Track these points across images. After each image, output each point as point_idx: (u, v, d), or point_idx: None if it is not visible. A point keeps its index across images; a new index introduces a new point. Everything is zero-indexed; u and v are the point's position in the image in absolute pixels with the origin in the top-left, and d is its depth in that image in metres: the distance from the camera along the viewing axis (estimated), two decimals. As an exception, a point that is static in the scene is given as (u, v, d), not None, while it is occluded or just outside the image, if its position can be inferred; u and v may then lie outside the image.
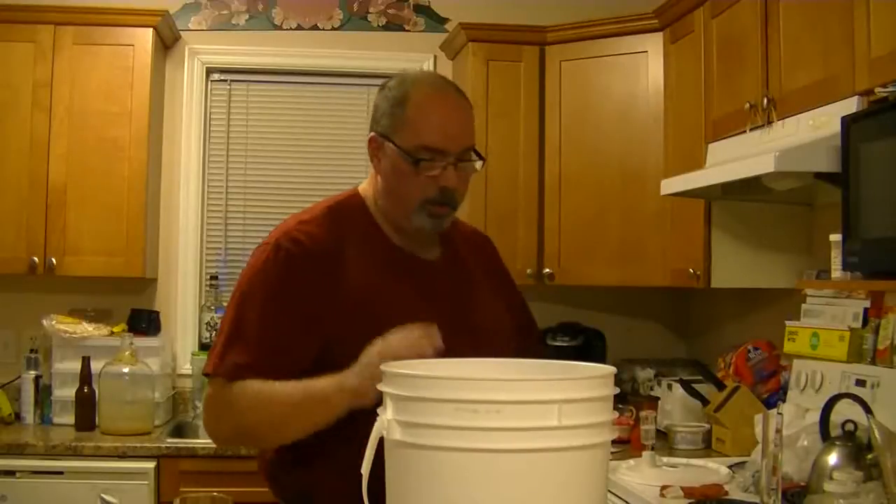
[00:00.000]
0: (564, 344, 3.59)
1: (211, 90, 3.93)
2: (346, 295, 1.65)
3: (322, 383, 1.54)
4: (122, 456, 3.11)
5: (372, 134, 1.74)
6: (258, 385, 1.59)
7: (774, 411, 1.67)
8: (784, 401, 2.76)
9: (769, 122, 2.51)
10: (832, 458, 2.08)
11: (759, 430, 2.22)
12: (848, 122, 2.07)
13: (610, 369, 1.14)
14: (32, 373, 3.47)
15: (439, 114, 1.70)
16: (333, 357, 1.57)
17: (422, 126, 1.68)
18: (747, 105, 2.60)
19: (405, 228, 1.76)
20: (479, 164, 1.76)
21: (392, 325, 1.54)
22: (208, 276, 3.86)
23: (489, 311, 1.82)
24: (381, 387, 1.14)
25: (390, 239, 1.77)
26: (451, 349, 1.46)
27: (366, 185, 1.85)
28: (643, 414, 2.74)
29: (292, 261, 1.66)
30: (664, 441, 3.10)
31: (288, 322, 1.63)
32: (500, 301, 1.90)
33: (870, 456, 1.98)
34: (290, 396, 1.56)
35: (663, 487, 2.35)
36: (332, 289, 1.65)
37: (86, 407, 3.33)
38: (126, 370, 3.34)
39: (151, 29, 3.52)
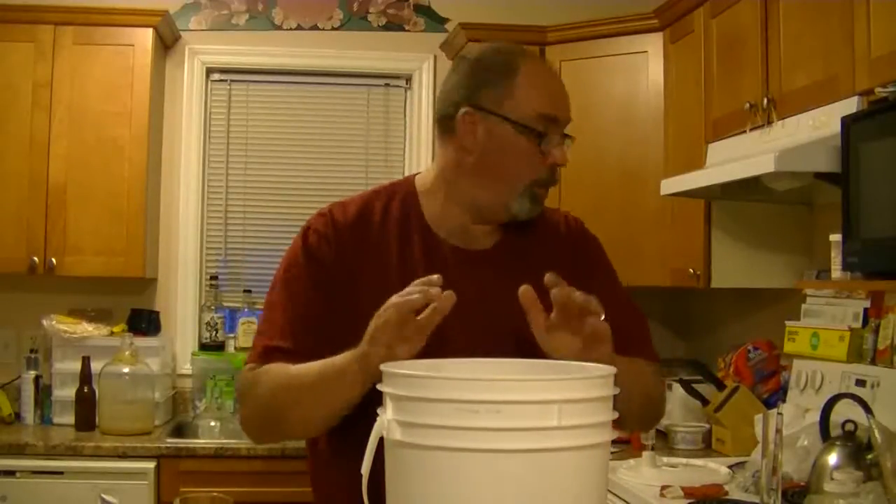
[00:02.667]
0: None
1: (211, 90, 3.93)
2: (371, 275, 1.54)
3: (338, 357, 1.44)
4: (122, 456, 3.11)
5: (467, 109, 1.52)
6: (280, 366, 1.52)
7: (774, 411, 1.67)
8: (784, 401, 2.76)
9: (769, 122, 2.51)
10: (832, 458, 2.08)
11: (759, 430, 2.22)
12: (848, 122, 2.07)
13: (610, 369, 1.14)
14: (32, 373, 3.47)
15: (553, 81, 1.56)
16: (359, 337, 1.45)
17: (539, 93, 1.51)
18: (747, 105, 2.60)
19: (488, 218, 1.58)
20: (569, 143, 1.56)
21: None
22: (208, 276, 3.86)
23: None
24: (381, 387, 1.14)
25: (431, 227, 1.59)
26: (488, 350, 1.32)
27: (425, 173, 1.67)
28: None
29: (319, 239, 1.59)
30: (664, 441, 3.10)
31: (313, 298, 1.55)
32: None
33: (870, 456, 1.98)
34: (308, 373, 1.47)
35: (663, 487, 2.35)
36: (358, 267, 1.55)
37: (86, 407, 3.33)
38: (126, 370, 3.34)
39: (151, 29, 3.52)
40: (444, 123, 1.57)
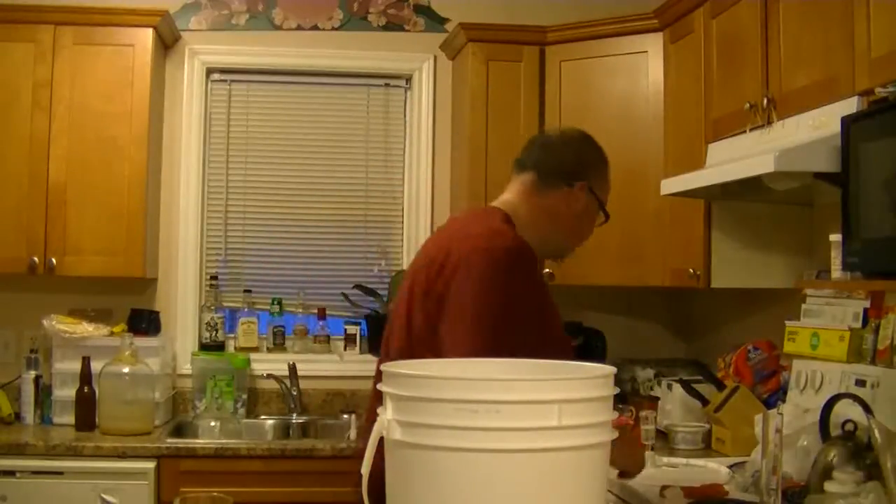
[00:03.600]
0: (564, 344, 3.59)
1: (211, 90, 3.93)
2: (541, 304, 1.92)
3: None
4: (122, 456, 3.11)
5: (582, 182, 2.05)
6: None
7: (774, 411, 1.67)
8: (784, 401, 2.76)
9: (769, 122, 2.51)
10: (832, 458, 2.08)
11: (759, 430, 2.22)
12: (848, 122, 2.07)
13: (610, 369, 1.14)
14: (32, 373, 3.47)
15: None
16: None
17: (610, 186, 2.12)
18: (747, 105, 2.60)
19: (545, 255, 2.11)
20: None
21: (556, 339, 1.94)
22: (208, 276, 3.86)
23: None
24: (381, 387, 1.14)
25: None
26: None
27: (508, 205, 2.05)
28: (643, 414, 2.74)
29: (531, 265, 1.87)
30: (664, 441, 3.10)
31: (522, 324, 1.78)
32: None
33: (870, 456, 1.98)
34: None
35: (663, 487, 2.35)
36: (541, 296, 1.93)
37: (86, 407, 3.33)
38: (126, 370, 3.34)
39: (151, 29, 3.52)
40: (555, 179, 2.05)
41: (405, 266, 3.79)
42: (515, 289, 1.80)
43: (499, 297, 1.77)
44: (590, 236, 2.13)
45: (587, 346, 3.62)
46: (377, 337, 2.93)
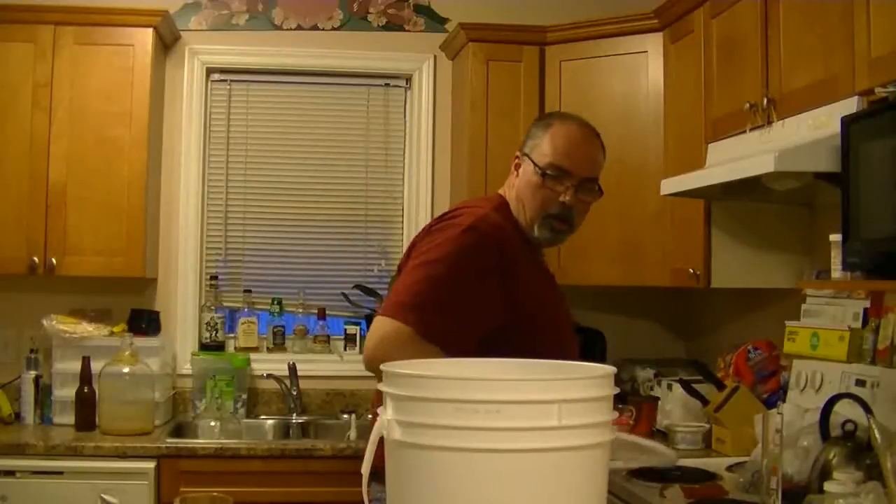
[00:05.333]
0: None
1: (211, 90, 3.93)
2: (518, 287, 1.93)
3: None
4: (122, 456, 3.11)
5: (517, 152, 2.12)
6: (425, 349, 1.78)
7: (774, 411, 1.67)
8: (784, 401, 2.76)
9: (769, 122, 2.51)
10: (832, 458, 2.08)
11: (759, 430, 2.22)
12: (848, 122, 2.07)
13: (610, 369, 1.14)
14: (32, 373, 3.47)
15: (571, 141, 2.06)
16: (496, 341, 1.78)
17: (557, 148, 2.04)
18: (747, 105, 2.60)
19: (537, 239, 2.09)
20: (598, 196, 2.12)
21: (545, 322, 1.95)
22: (208, 276, 3.86)
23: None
24: (381, 387, 1.14)
25: (530, 242, 2.09)
26: (570, 351, 1.88)
27: (505, 193, 2.14)
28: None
29: (489, 243, 1.92)
30: (664, 441, 3.10)
31: (478, 299, 1.87)
32: None
33: (869, 456, 1.98)
34: None
35: (663, 487, 2.35)
36: (511, 278, 1.92)
37: (86, 407, 3.33)
38: (126, 370, 3.34)
39: (151, 29, 3.52)
40: (517, 157, 2.12)
41: (405, 266, 3.79)
42: (464, 261, 1.88)
43: (447, 264, 1.87)
44: (549, 206, 2.05)
45: (587, 346, 3.62)
46: (377, 337, 2.92)
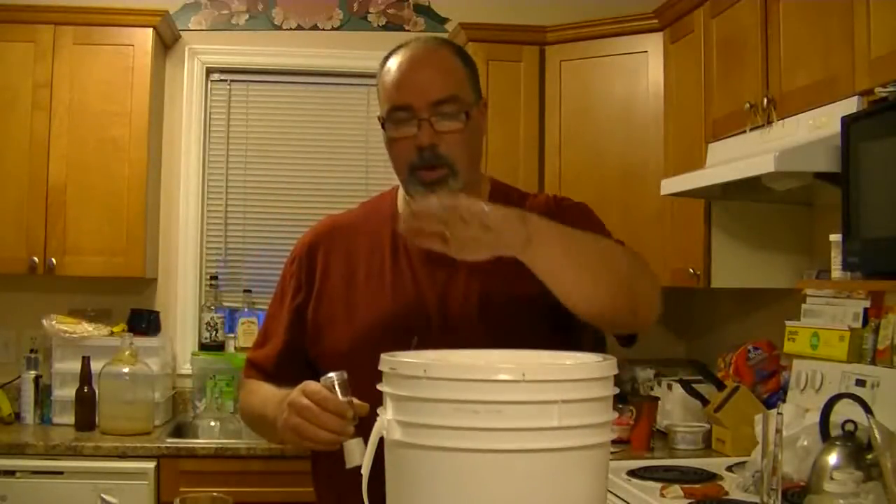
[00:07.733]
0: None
1: (211, 90, 3.93)
2: (328, 284, 1.65)
3: (276, 397, 1.50)
4: (122, 456, 3.11)
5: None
6: (249, 387, 1.69)
7: (774, 411, 1.66)
8: (784, 401, 2.76)
9: (769, 122, 2.51)
10: (832, 458, 2.08)
11: (759, 430, 2.22)
12: (848, 122, 2.07)
13: (610, 369, 1.13)
14: (32, 373, 3.47)
15: (401, 70, 1.58)
16: (317, 348, 1.63)
17: (387, 88, 1.60)
18: (747, 105, 2.60)
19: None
20: (461, 116, 1.57)
21: (358, 318, 1.57)
22: (208, 276, 3.86)
23: (516, 302, 1.54)
24: (381, 387, 1.14)
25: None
26: (442, 346, 1.29)
27: None
28: None
29: (296, 254, 1.72)
30: (664, 441, 3.10)
31: (281, 317, 1.68)
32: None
33: (870, 456, 1.98)
34: (260, 406, 1.60)
35: (663, 487, 2.35)
36: (320, 278, 1.66)
37: (86, 407, 3.33)
38: (126, 370, 3.34)
39: (151, 29, 3.52)
40: None
41: (405, 266, 3.78)
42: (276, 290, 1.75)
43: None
44: (409, 157, 1.62)
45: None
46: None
